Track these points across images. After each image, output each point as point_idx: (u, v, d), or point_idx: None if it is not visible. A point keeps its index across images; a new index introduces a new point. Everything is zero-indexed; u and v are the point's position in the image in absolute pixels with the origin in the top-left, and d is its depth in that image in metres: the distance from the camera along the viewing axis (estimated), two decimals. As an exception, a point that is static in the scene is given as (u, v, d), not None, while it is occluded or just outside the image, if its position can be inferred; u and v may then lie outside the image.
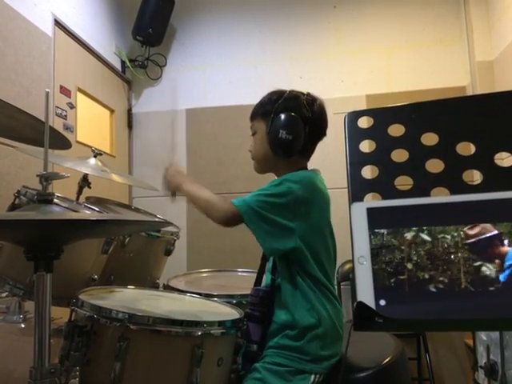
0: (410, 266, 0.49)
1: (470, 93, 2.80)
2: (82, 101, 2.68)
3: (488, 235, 0.48)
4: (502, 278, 0.47)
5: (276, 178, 1.33)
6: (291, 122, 1.24)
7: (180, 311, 1.22)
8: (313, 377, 1.14)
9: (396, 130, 0.60)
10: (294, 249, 1.17)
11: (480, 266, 0.48)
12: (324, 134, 1.32)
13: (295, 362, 1.14)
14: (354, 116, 0.63)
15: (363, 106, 2.91)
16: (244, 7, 3.23)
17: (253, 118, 1.34)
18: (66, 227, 0.91)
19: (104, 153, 2.08)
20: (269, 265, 1.29)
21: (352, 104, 2.88)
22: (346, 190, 0.58)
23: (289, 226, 1.16)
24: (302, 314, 1.17)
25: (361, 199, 0.55)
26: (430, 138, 0.58)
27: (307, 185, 1.21)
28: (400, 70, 2.99)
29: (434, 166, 0.57)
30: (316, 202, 1.21)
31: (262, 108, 1.30)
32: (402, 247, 0.50)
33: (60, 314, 1.38)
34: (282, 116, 1.24)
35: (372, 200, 0.55)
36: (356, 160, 0.59)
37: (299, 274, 1.19)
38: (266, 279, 1.31)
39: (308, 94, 1.29)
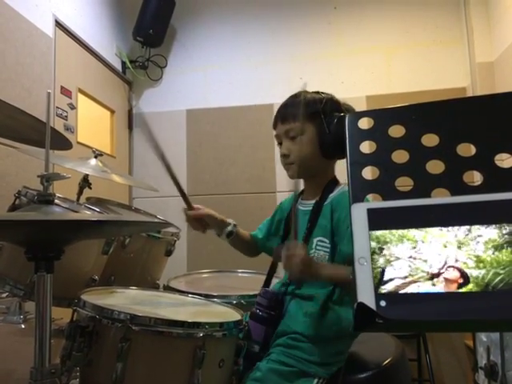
0: (410, 266, 0.49)
1: (470, 94, 2.80)
2: (82, 101, 2.68)
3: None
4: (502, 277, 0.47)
5: (304, 183, 1.34)
6: None
7: (182, 312, 1.22)
8: (316, 380, 1.13)
9: (396, 130, 0.60)
10: None
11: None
12: None
13: (300, 362, 1.13)
14: (354, 117, 0.63)
15: (363, 107, 2.90)
16: (244, 8, 3.23)
17: (292, 119, 1.25)
18: (66, 228, 0.91)
19: (104, 153, 2.09)
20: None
21: (352, 105, 2.87)
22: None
23: None
24: (328, 329, 1.17)
25: (361, 200, 0.55)
26: (430, 139, 0.58)
27: None
28: (400, 71, 3.00)
29: (435, 167, 0.57)
30: None
31: (306, 108, 1.23)
32: (403, 248, 0.50)
33: (60, 315, 1.39)
34: (340, 117, 1.21)
35: (372, 201, 0.56)
36: (356, 161, 0.59)
37: None
38: (276, 285, 1.31)
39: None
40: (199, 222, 1.38)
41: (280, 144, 1.31)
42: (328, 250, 1.20)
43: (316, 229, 1.23)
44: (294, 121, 1.25)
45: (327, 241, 1.21)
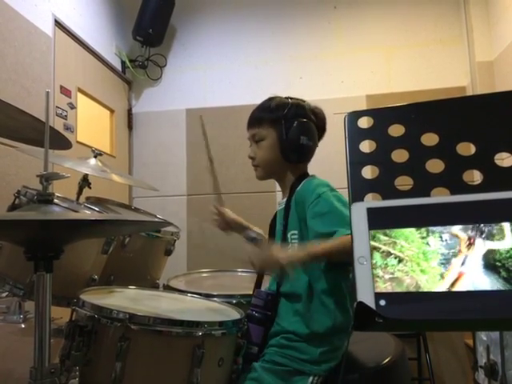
0: (409, 265, 0.49)
1: (469, 93, 2.80)
2: (82, 101, 2.68)
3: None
4: (502, 276, 0.47)
5: (278, 184, 1.39)
6: (310, 128, 1.28)
7: (181, 311, 1.23)
8: (311, 378, 1.13)
9: (396, 130, 0.60)
10: None
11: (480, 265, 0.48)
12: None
13: (294, 362, 1.14)
14: (354, 116, 0.63)
15: (363, 107, 2.90)
16: (244, 8, 3.23)
17: (257, 124, 1.33)
18: (66, 227, 0.90)
19: (104, 153, 2.09)
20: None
21: (352, 104, 2.88)
22: (346, 190, 0.58)
23: None
24: (319, 324, 1.17)
25: (361, 199, 0.55)
26: (430, 138, 0.58)
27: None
28: (400, 71, 2.99)
29: (434, 166, 0.57)
30: None
31: (270, 114, 1.31)
32: (402, 247, 0.50)
33: (60, 314, 1.39)
34: (298, 123, 1.27)
35: (372, 200, 0.56)
36: (356, 160, 0.59)
37: (343, 282, 1.20)
38: (270, 284, 1.31)
39: (307, 102, 1.35)
40: (227, 225, 1.54)
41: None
42: (299, 239, 1.25)
43: (289, 224, 1.28)
44: (259, 126, 1.32)
45: (296, 231, 1.26)
